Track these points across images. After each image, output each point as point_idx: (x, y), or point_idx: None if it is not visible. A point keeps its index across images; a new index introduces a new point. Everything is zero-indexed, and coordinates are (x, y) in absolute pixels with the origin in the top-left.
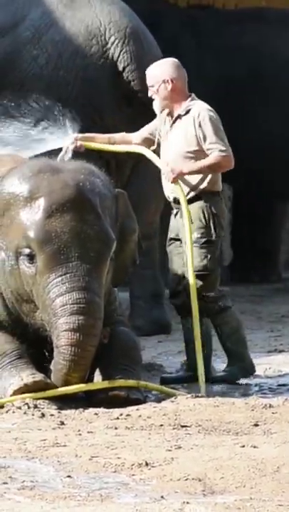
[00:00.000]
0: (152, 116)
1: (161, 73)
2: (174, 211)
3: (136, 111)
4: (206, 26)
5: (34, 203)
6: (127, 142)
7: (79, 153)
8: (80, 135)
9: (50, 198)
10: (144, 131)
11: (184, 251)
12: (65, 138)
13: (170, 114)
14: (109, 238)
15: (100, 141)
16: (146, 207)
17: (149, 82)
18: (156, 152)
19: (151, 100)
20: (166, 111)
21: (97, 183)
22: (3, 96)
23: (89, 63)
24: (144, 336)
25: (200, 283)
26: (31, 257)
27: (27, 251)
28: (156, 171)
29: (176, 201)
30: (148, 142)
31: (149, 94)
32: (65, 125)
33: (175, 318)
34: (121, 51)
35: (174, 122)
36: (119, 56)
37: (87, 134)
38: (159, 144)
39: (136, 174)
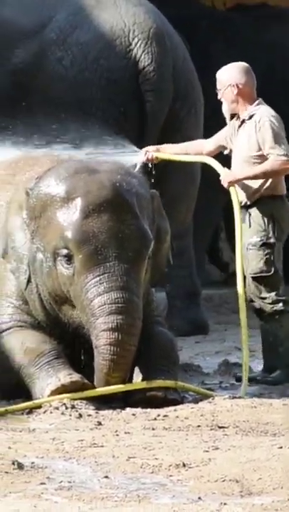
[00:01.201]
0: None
1: (228, 78)
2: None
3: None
4: (240, 27)
5: (71, 204)
6: (200, 150)
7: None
8: (152, 147)
9: (86, 199)
10: (218, 137)
11: (245, 254)
12: (137, 152)
13: (238, 118)
14: (147, 237)
15: (173, 151)
16: (178, 206)
17: (217, 86)
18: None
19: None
20: (235, 117)
21: (133, 183)
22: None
23: (113, 64)
24: (181, 336)
25: (257, 285)
26: (69, 258)
27: (64, 252)
28: (186, 170)
29: (242, 206)
30: (222, 148)
31: (218, 97)
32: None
33: (212, 319)
34: (143, 52)
35: (239, 127)
36: (140, 56)
37: (159, 146)
38: (231, 150)
39: (166, 173)
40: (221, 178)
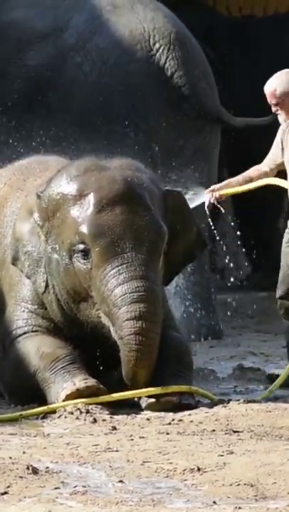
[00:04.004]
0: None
1: (285, 87)
2: None
3: (183, 116)
4: (256, 34)
5: (84, 200)
6: (259, 175)
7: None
8: (216, 186)
9: (99, 194)
10: (271, 156)
11: None
12: (203, 192)
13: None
14: (162, 229)
15: (236, 184)
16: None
17: (272, 99)
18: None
19: (199, 104)
20: (287, 123)
21: (144, 179)
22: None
23: (133, 69)
24: (195, 341)
25: None
26: (86, 253)
27: (81, 247)
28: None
29: None
30: (279, 167)
31: (274, 111)
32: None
33: (227, 324)
34: (167, 58)
35: None
36: (165, 63)
37: (222, 183)
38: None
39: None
40: None
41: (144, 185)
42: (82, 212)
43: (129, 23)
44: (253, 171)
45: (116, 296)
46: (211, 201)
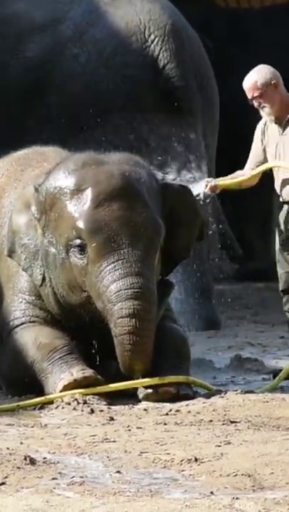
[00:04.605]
0: (190, 113)
1: (265, 78)
2: None
3: (175, 107)
4: (253, 26)
5: (81, 195)
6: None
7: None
8: (211, 179)
9: (96, 189)
10: (254, 156)
11: None
12: (200, 183)
13: (277, 118)
14: (158, 225)
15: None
16: None
17: (252, 92)
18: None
19: (190, 97)
20: (271, 117)
21: (142, 174)
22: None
23: (128, 61)
24: (193, 331)
25: None
26: (82, 248)
27: (78, 242)
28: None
29: None
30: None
31: (256, 105)
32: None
33: (224, 314)
34: (161, 49)
35: (285, 128)
36: (159, 54)
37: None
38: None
39: None
40: None
41: (141, 180)
42: (80, 207)
43: (125, 14)
44: (239, 173)
45: (111, 293)
46: (206, 191)
